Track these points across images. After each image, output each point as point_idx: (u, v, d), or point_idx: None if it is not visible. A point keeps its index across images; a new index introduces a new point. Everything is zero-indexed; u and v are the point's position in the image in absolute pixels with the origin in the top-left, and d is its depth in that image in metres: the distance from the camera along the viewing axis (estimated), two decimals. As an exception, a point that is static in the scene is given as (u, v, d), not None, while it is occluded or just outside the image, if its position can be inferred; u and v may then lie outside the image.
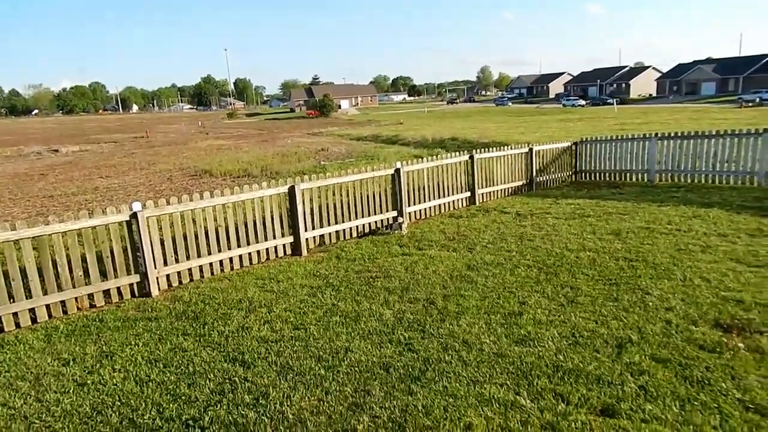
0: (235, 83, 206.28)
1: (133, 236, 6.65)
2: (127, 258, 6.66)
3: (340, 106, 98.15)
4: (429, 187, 10.45)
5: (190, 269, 7.21)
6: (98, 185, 18.10)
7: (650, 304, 5.40)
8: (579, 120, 41.08)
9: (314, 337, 5.10)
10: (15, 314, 5.86)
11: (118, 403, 4.15)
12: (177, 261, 7.06)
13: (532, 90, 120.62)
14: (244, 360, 4.72)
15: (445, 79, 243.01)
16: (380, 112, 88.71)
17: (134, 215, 6.58)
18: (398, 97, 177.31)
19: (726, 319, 4.93)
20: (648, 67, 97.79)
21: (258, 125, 67.46)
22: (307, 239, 8.42)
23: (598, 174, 13.81)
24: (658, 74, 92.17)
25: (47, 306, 6.08)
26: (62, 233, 6.16)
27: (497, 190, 12.06)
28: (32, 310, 5.99)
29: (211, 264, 7.40)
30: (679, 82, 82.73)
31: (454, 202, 11.04)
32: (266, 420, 3.81)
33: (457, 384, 4.11)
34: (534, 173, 12.90)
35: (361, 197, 9.25)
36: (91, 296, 6.43)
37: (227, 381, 4.38)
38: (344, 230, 9.04)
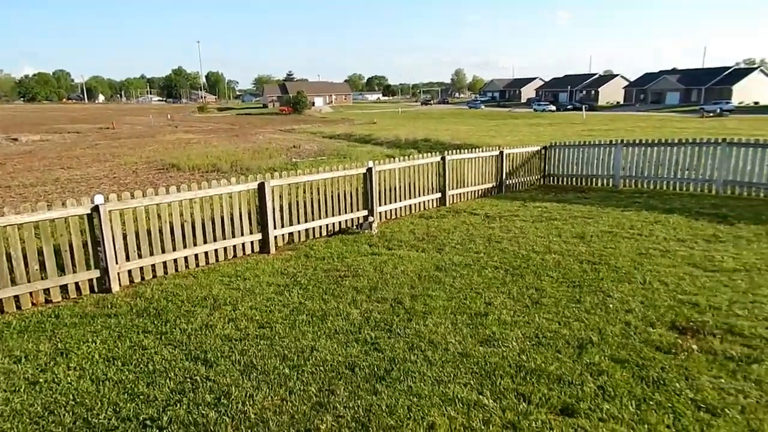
0: (207, 76, 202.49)
1: (95, 230, 6.44)
2: (87, 252, 6.45)
3: (314, 104, 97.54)
4: (400, 187, 10.47)
5: (153, 265, 7.03)
6: (59, 177, 17.48)
7: (611, 306, 5.54)
8: (549, 125, 41.92)
9: (280, 336, 5.05)
10: (-36, 309, 5.60)
11: (72, 403, 4.01)
12: (140, 256, 6.88)
13: (505, 94, 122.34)
14: (206, 359, 4.63)
15: (419, 80, 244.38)
16: (354, 110, 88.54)
17: (96, 208, 6.38)
18: (373, 97, 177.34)
19: (682, 321, 5.10)
20: (616, 75, 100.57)
21: (229, 120, 66.37)
22: (276, 237, 8.33)
23: (565, 178, 14.10)
24: (626, 83, 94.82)
25: None
26: (18, 225, 5.92)
27: (468, 192, 12.18)
28: (-17, 305, 5.74)
29: (175, 260, 7.24)
30: (646, 91, 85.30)
31: (424, 202, 11.10)
32: (227, 420, 3.75)
33: (422, 384, 4.13)
34: (504, 176, 13.09)
35: (332, 196, 9.20)
36: (47, 291, 6.20)
37: (188, 380, 4.29)
38: (314, 228, 8.97)
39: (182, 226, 7.27)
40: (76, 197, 7.23)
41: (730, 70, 77.84)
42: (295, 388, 4.13)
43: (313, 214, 8.91)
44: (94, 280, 6.52)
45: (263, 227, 8.17)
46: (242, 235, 7.96)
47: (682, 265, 6.77)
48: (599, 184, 13.49)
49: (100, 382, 4.29)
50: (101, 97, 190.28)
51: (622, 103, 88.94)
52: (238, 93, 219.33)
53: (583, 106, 69.08)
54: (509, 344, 4.73)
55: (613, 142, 13.50)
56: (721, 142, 11.83)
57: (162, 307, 5.87)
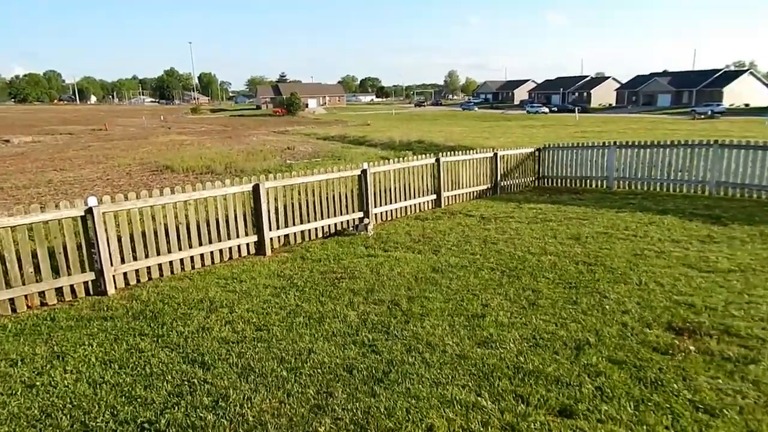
0: (199, 78, 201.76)
1: (89, 232, 6.39)
2: (82, 255, 6.40)
3: (307, 105, 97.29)
4: (395, 188, 10.47)
5: (148, 267, 6.99)
6: (52, 178, 17.34)
7: (607, 307, 5.57)
8: (542, 126, 42.11)
9: (277, 338, 5.03)
10: (-43, 312, 5.54)
11: (70, 406, 3.98)
12: (135, 258, 6.83)
13: (498, 95, 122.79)
14: (203, 361, 4.60)
15: (412, 81, 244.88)
16: (348, 112, 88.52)
17: (89, 210, 6.33)
18: (366, 98, 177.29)
19: (678, 322, 5.13)
20: (608, 77, 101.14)
21: (223, 121, 66.16)
22: (271, 239, 8.30)
23: (559, 180, 14.16)
24: (618, 85, 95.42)
25: (-7, 304, 5.78)
26: (11, 228, 5.86)
27: (463, 194, 12.20)
28: (-23, 309, 5.67)
29: (171, 262, 7.20)
30: (637, 93, 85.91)
31: (420, 204, 11.11)
32: (225, 423, 3.73)
33: (420, 385, 4.13)
34: (499, 177, 13.12)
35: (327, 197, 9.18)
36: (42, 294, 6.14)
37: (186, 383, 4.26)
38: (310, 230, 8.95)
39: (177, 228, 7.23)
40: (70, 199, 7.17)
41: (720, 73, 78.54)
42: (293, 390, 4.11)
43: (308, 215, 8.89)
44: (90, 283, 6.47)
45: (259, 229, 8.14)
46: (238, 237, 7.93)
47: (678, 266, 6.81)
48: (593, 186, 13.56)
49: (97, 385, 4.25)
50: (93, 98, 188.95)
51: (614, 105, 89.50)
52: (231, 94, 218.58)
53: (576, 108, 69.44)
54: (507, 346, 4.74)
55: (607, 144, 13.57)
56: (713, 144, 11.93)
57: (158, 310, 5.83)
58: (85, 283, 6.43)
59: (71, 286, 6.32)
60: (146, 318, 5.63)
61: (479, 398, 3.93)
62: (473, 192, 12.51)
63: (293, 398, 4.01)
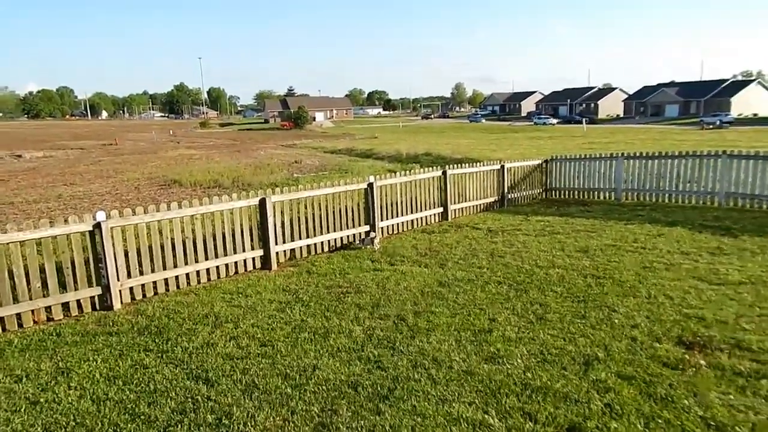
0: (208, 92, 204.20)
1: (96, 247, 6.43)
2: (89, 269, 6.43)
3: (314, 119, 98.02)
4: (402, 202, 10.46)
5: (154, 282, 7.00)
6: (62, 193, 17.53)
7: (616, 321, 5.49)
8: (549, 138, 42.06)
9: (281, 354, 4.99)
10: (-35, 328, 5.57)
11: (73, 423, 3.96)
12: (141, 273, 6.85)
13: (505, 107, 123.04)
14: (207, 378, 4.58)
15: (419, 94, 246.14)
16: (355, 125, 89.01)
17: (98, 225, 6.37)
18: (373, 111, 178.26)
19: (688, 336, 5.04)
20: (615, 88, 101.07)
21: (231, 135, 66.74)
22: (277, 253, 8.30)
23: (567, 192, 14.09)
24: (625, 95, 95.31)
25: (1, 319, 5.81)
26: (20, 242, 5.91)
27: (469, 206, 12.16)
28: (-16, 324, 5.70)
29: (177, 277, 7.21)
30: (645, 104, 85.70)
31: (426, 217, 11.08)
32: (229, 441, 3.69)
33: (426, 403, 4.07)
34: (506, 190, 13.08)
35: (334, 211, 9.19)
36: (48, 309, 6.17)
37: (189, 400, 4.24)
38: (316, 244, 8.95)
39: (184, 242, 7.25)
40: (79, 214, 7.22)
41: (728, 83, 78.28)
42: (297, 408, 4.07)
43: (314, 229, 8.89)
44: (96, 298, 6.49)
45: (265, 243, 8.14)
46: (244, 251, 7.94)
47: (687, 279, 6.71)
48: (601, 198, 13.47)
49: (101, 402, 4.24)
50: (104, 114, 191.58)
51: (621, 115, 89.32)
52: (239, 108, 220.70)
53: (584, 119, 69.36)
54: (514, 361, 4.68)
55: (614, 155, 13.51)
56: (721, 155, 11.83)
57: (163, 325, 5.82)
58: (92, 297, 6.45)
59: (78, 300, 6.34)
60: (151, 333, 5.62)
61: (486, 416, 3.87)
62: (480, 205, 12.46)
63: (297, 416, 3.96)
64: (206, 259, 7.49)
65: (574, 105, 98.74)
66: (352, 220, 9.50)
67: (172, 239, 7.16)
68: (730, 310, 5.64)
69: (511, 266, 7.61)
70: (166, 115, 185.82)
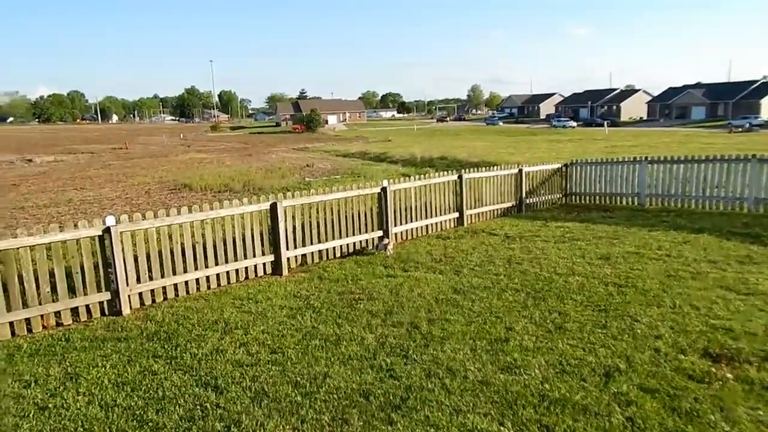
0: (219, 95, 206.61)
1: (106, 252, 6.53)
2: (98, 274, 6.53)
3: (327, 122, 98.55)
4: (416, 206, 10.47)
5: (164, 287, 7.09)
6: (72, 197, 17.85)
7: (639, 331, 5.42)
8: (569, 141, 41.76)
9: (292, 362, 5.02)
10: (-25, 332, 5.69)
11: (81, 429, 4.02)
12: (151, 278, 6.94)
13: (523, 110, 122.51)
14: (216, 385, 4.62)
15: (435, 96, 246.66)
16: (368, 128, 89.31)
17: (107, 230, 6.48)
18: (387, 114, 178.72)
19: (715, 348, 4.96)
20: (638, 90, 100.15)
21: (242, 139, 67.41)
22: (288, 258, 8.35)
23: (588, 197, 13.97)
24: (649, 97, 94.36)
25: (11, 323, 5.92)
26: (30, 247, 6.03)
27: (486, 211, 12.12)
28: (-6, 328, 5.82)
29: (186, 282, 7.29)
30: (670, 106, 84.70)
31: (441, 222, 11.07)
32: (238, 449, 3.71)
33: (440, 413, 4.06)
34: (524, 194, 13.02)
35: (346, 216, 9.22)
36: (58, 314, 6.28)
37: (198, 407, 4.28)
38: (327, 250, 8.99)
39: (194, 247, 7.33)
40: (88, 219, 7.36)
41: (757, 84, 76.95)
42: (308, 416, 4.08)
43: (326, 234, 8.93)
44: (105, 303, 6.59)
45: (276, 248, 8.20)
46: (254, 256, 8.00)
47: (714, 288, 6.61)
48: (624, 203, 13.34)
49: (109, 408, 4.30)
50: (115, 117, 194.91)
51: (645, 118, 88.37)
52: (250, 111, 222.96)
53: (605, 122, 68.78)
54: (531, 372, 4.64)
55: (638, 159, 13.37)
56: (750, 159, 11.65)
57: (172, 331, 5.89)
58: (101, 303, 6.55)
59: (87, 306, 6.44)
60: (160, 339, 5.69)
61: (502, 428, 3.85)
62: (497, 210, 12.42)
63: (307, 425, 3.98)
64: (216, 264, 7.57)
65: (596, 107, 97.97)
66: (365, 225, 9.52)
67: (182, 244, 7.25)
68: (759, 321, 5.54)
69: (528, 273, 7.56)
70: (177, 118, 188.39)
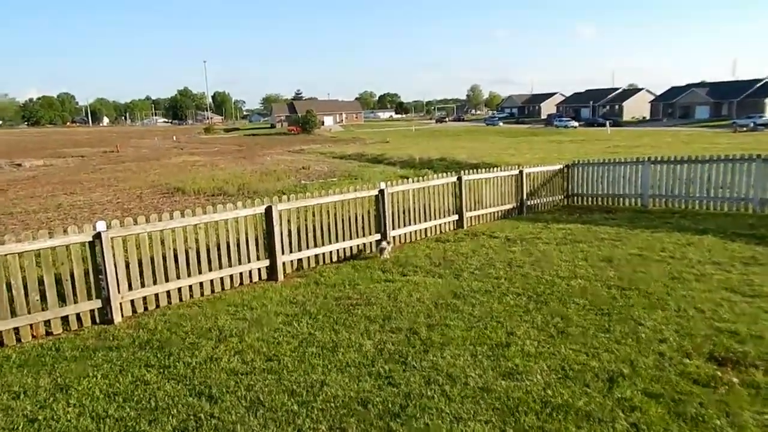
0: (213, 97, 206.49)
1: (96, 258, 6.52)
2: (89, 281, 6.52)
3: (323, 123, 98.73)
4: (415, 209, 10.48)
5: (156, 294, 7.08)
6: (62, 202, 17.82)
7: (643, 335, 5.43)
8: (571, 142, 41.86)
9: (288, 370, 5.01)
10: (-38, 342, 5.67)
11: (71, 442, 4.01)
12: (143, 285, 6.93)
13: (524, 110, 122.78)
14: (211, 394, 4.61)
15: (433, 96, 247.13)
16: (366, 129, 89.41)
17: (98, 235, 6.47)
18: (385, 115, 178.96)
19: (721, 351, 4.97)
20: (641, 89, 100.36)
21: (236, 141, 67.43)
22: (284, 263, 8.35)
23: (590, 198, 14.00)
24: (652, 97, 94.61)
25: (-1, 333, 5.90)
26: (19, 254, 6.02)
27: (486, 214, 12.14)
28: (-18, 338, 5.80)
29: (179, 289, 7.28)
30: (673, 105, 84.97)
31: (440, 225, 11.08)
32: (233, 460, 3.70)
33: (439, 421, 4.06)
34: (524, 196, 13.04)
35: (343, 219, 9.23)
36: (47, 323, 6.26)
37: (192, 417, 4.27)
38: (324, 254, 8.98)
39: (187, 252, 7.33)
40: (79, 224, 7.34)
41: (762, 82, 77.22)
42: (304, 426, 4.08)
43: (323, 238, 8.94)
44: (96, 311, 6.57)
45: (271, 253, 8.20)
46: (249, 261, 8.00)
47: (719, 290, 6.62)
48: (626, 204, 13.37)
49: (101, 420, 4.28)
50: (106, 120, 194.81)
51: (648, 118, 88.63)
52: (245, 113, 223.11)
53: (607, 122, 68.94)
54: (533, 378, 4.64)
55: (641, 159, 13.41)
56: (756, 158, 11.68)
57: (165, 339, 5.88)
58: (92, 311, 6.54)
59: (77, 314, 6.42)
60: (153, 348, 5.68)
61: (503, 435, 3.84)
62: (497, 212, 12.43)
63: (304, 434, 3.97)
64: (210, 270, 7.56)
65: (597, 107, 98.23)
66: (363, 228, 9.53)
67: (175, 249, 7.25)
68: (765, 323, 5.55)
69: (530, 277, 7.57)
70: (170, 120, 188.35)
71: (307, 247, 8.73)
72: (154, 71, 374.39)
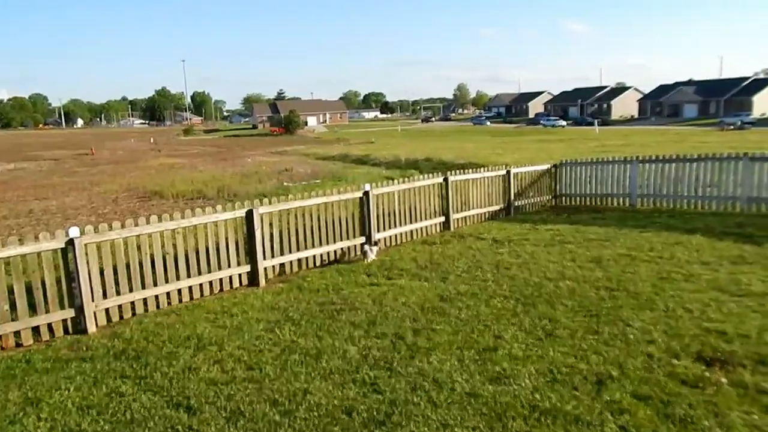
0: (192, 97, 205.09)
1: (69, 265, 6.43)
2: (61, 290, 6.42)
3: (306, 123, 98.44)
4: (400, 211, 10.49)
5: (132, 302, 6.99)
6: (33, 208, 17.54)
7: (632, 336, 5.49)
8: (559, 141, 42.29)
9: (270, 378, 4.98)
10: (-74, 355, 5.55)
11: (43, 457, 3.94)
12: (118, 293, 6.84)
13: (511, 109, 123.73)
14: (189, 405, 4.56)
15: (419, 96, 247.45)
16: (350, 129, 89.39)
17: (71, 242, 6.37)
18: (370, 114, 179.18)
19: (709, 352, 5.04)
20: (629, 87, 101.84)
21: (217, 142, 67.01)
22: (265, 268, 8.30)
23: (578, 198, 14.15)
24: (640, 95, 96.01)
25: (-35, 345, 5.79)
26: (-14, 262, 5.91)
27: (473, 215, 12.19)
28: (-53, 351, 5.68)
29: (157, 296, 7.20)
30: (661, 104, 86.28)
31: (427, 227, 11.10)
32: (212, 473, 3.67)
33: (426, 428, 4.06)
34: (512, 197, 13.12)
35: (327, 222, 9.21)
36: (17, 334, 6.14)
37: (169, 429, 4.22)
38: (307, 258, 8.95)
39: (164, 258, 7.25)
40: (51, 230, 7.23)
41: (749, 81, 78.90)
42: (287, 435, 4.05)
43: (306, 242, 8.90)
44: (69, 320, 6.47)
45: (252, 258, 8.15)
46: (229, 267, 7.94)
47: (707, 290, 6.73)
48: (615, 204, 13.53)
49: (73, 434, 4.21)
50: (80, 121, 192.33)
51: (636, 116, 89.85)
52: (225, 113, 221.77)
53: (596, 121, 69.76)
54: (521, 382, 4.67)
55: (629, 159, 13.59)
56: (743, 157, 11.90)
57: (142, 349, 5.81)
58: (64, 320, 6.43)
59: (49, 324, 6.31)
60: (128, 358, 5.61)
61: (490, 441, 3.86)
62: (485, 213, 12.49)
63: (286, 444, 3.95)
64: (189, 276, 7.49)
65: (586, 106, 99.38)
66: (347, 231, 9.51)
67: (152, 255, 7.17)
68: (753, 323, 5.64)
69: (517, 279, 7.62)
70: (147, 122, 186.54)
71: (290, 252, 8.69)
72: (130, 71, 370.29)
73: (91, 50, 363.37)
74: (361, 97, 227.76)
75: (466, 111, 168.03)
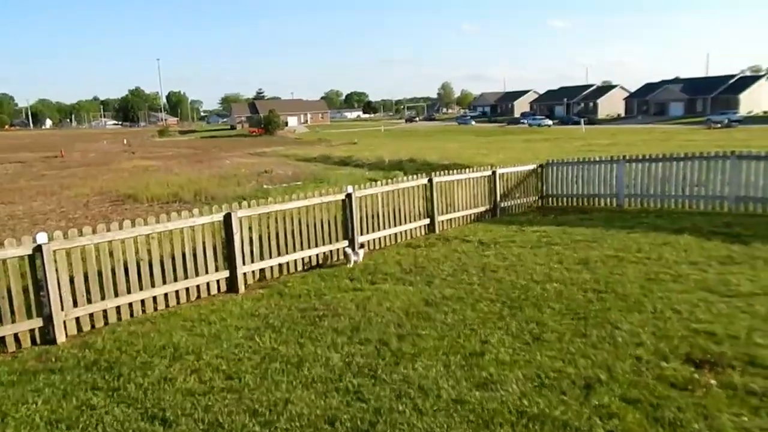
0: (167, 97, 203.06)
1: (37, 273, 6.31)
2: (29, 299, 6.30)
3: (287, 124, 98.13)
4: (384, 213, 10.49)
5: (105, 311, 6.88)
6: (-1, 213, 17.19)
7: (620, 339, 5.54)
8: (545, 140, 42.71)
9: (249, 388, 4.94)
10: None
11: (9, 475, 3.85)
12: (89, 301, 6.74)
13: (497, 108, 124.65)
14: (165, 417, 4.49)
15: (403, 95, 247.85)
16: (332, 130, 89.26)
17: (38, 248, 6.25)
18: (352, 114, 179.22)
19: (698, 353, 5.11)
20: (616, 86, 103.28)
21: (193, 144, 66.44)
22: (245, 274, 8.24)
23: (565, 198, 14.28)
24: (626, 94, 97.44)
25: (-74, 358, 5.64)
26: (-52, 271, 5.77)
27: (459, 217, 12.24)
28: None
29: (130, 304, 7.10)
30: (648, 102, 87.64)
31: (411, 230, 11.12)
32: (189, 488, 3.62)
33: (411, 436, 4.05)
34: (498, 198, 13.20)
35: (308, 226, 9.17)
36: (-19, 345, 6.02)
37: (144, 443, 4.16)
38: (288, 263, 8.91)
39: (138, 265, 7.16)
40: (17, 236, 7.09)
41: (735, 79, 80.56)
42: (268, 447, 4.02)
43: (287, 246, 8.86)
44: (36, 330, 6.34)
45: (231, 263, 8.08)
46: (207, 273, 7.86)
47: (696, 291, 6.83)
48: (602, 204, 13.68)
49: (42, 450, 4.13)
50: (48, 122, 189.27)
51: (623, 115, 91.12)
52: (203, 114, 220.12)
53: (582, 120, 70.58)
54: (508, 387, 4.69)
55: (615, 158, 13.76)
56: (730, 156, 12.11)
57: (114, 359, 5.72)
58: (32, 330, 6.31)
59: (15, 334, 6.18)
60: (100, 369, 5.51)
61: (478, 449, 3.87)
62: (470, 215, 12.55)
63: (267, 456, 3.91)
64: (164, 283, 7.40)
65: (572, 104, 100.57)
66: (329, 235, 9.49)
67: (125, 262, 7.07)
68: (742, 323, 5.74)
69: (504, 282, 7.66)
70: (120, 122, 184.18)
71: (270, 256, 8.64)
72: (102, 70, 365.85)
73: (60, 49, 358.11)
74: (344, 97, 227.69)
75: (450, 110, 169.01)
